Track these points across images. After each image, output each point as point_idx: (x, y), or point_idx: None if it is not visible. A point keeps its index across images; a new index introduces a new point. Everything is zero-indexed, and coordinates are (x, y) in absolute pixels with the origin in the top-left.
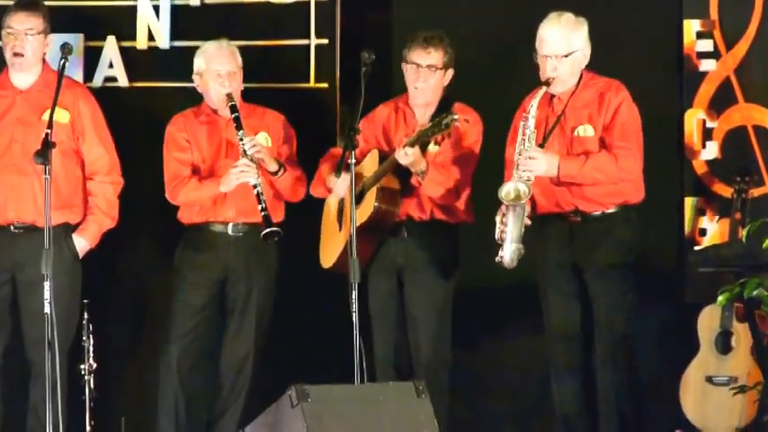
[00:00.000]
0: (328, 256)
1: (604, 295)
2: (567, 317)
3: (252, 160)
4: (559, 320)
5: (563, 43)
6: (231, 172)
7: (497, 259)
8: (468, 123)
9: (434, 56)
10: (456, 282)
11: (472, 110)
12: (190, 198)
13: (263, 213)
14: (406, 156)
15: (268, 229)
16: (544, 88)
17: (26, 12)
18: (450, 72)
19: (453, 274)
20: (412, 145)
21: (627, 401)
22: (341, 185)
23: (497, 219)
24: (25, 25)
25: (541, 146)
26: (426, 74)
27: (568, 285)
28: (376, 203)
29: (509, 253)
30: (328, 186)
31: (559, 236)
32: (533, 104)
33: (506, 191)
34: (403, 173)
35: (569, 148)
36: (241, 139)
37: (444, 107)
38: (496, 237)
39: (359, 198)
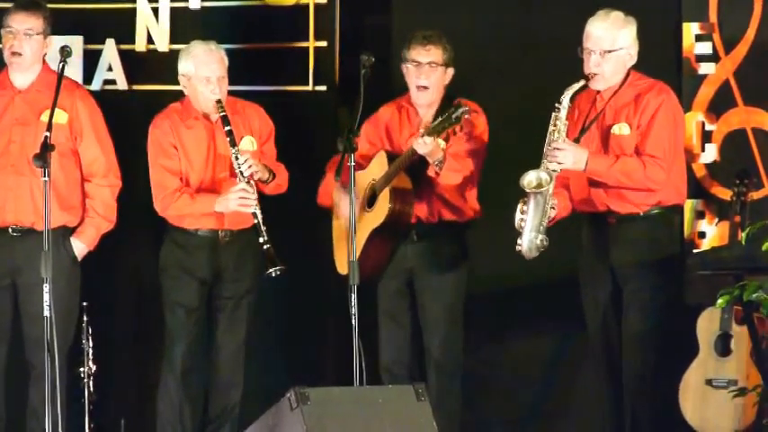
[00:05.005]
0: (345, 261)
1: (633, 294)
2: (602, 317)
3: (248, 182)
4: (594, 320)
5: (608, 38)
6: (230, 197)
7: (517, 248)
8: (477, 114)
9: (434, 53)
10: (466, 282)
11: (475, 104)
12: (182, 213)
13: (265, 247)
14: (425, 144)
15: (272, 269)
16: (582, 81)
17: (26, 12)
18: (451, 71)
19: (464, 274)
20: (429, 135)
21: (643, 399)
22: (347, 207)
23: (518, 207)
24: (24, 25)
25: (577, 140)
26: (428, 71)
27: (604, 286)
28: (390, 204)
29: (527, 242)
30: (335, 201)
31: (596, 236)
32: (566, 95)
33: (528, 179)
34: (414, 172)
35: (606, 146)
36: (236, 158)
37: (447, 104)
38: (516, 225)
39: (371, 201)
